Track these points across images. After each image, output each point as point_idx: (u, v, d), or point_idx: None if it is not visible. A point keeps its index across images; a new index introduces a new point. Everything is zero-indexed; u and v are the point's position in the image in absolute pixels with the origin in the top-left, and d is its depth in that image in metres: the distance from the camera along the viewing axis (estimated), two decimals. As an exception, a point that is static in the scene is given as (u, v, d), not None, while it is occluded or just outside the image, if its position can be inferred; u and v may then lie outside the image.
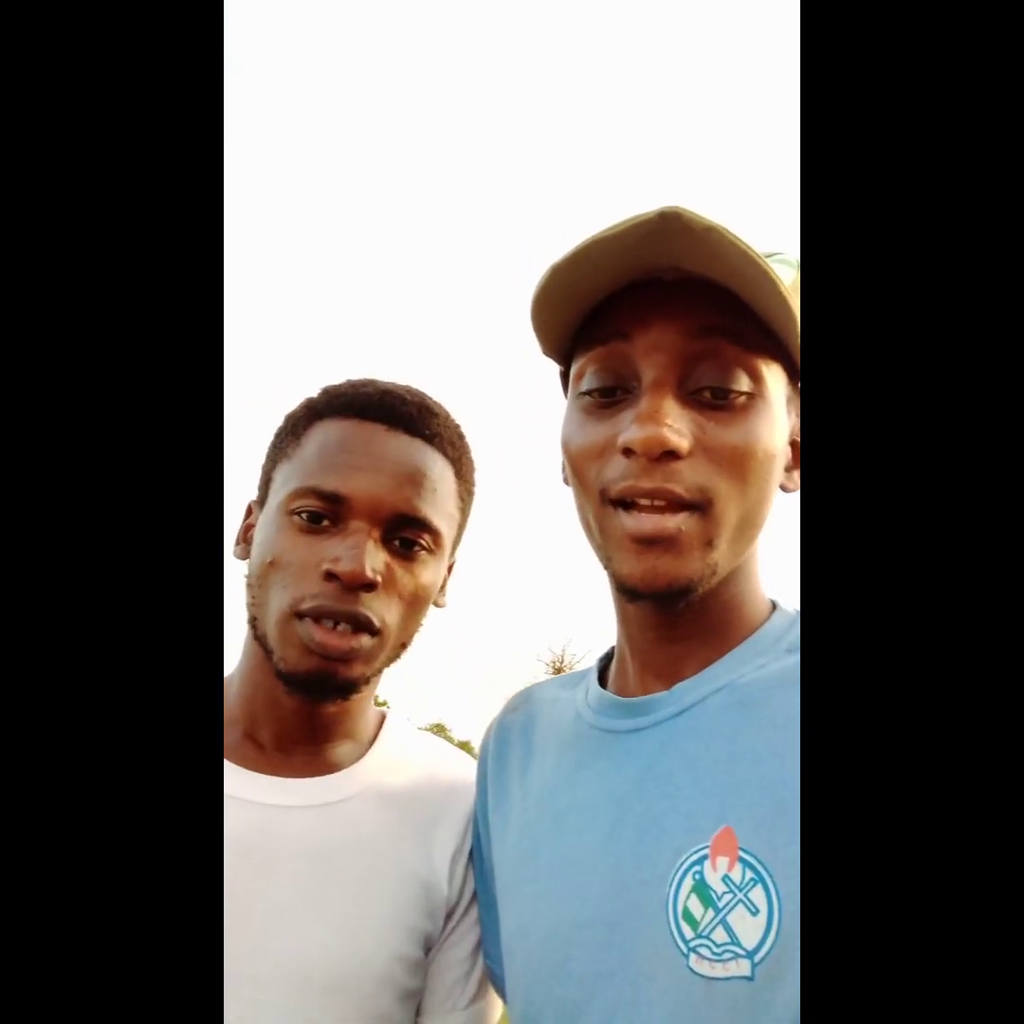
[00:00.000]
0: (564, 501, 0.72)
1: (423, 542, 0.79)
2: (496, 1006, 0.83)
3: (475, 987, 0.80)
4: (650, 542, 0.58)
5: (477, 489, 0.91)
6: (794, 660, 0.63)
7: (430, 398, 0.86)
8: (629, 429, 0.59)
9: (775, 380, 0.63)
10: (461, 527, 0.88)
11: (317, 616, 0.75)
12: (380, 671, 0.82)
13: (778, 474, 0.64)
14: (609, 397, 0.63)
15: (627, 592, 0.61)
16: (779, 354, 0.64)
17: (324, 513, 0.77)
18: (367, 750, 0.85)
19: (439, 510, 0.81)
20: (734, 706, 0.61)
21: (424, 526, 0.79)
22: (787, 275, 0.65)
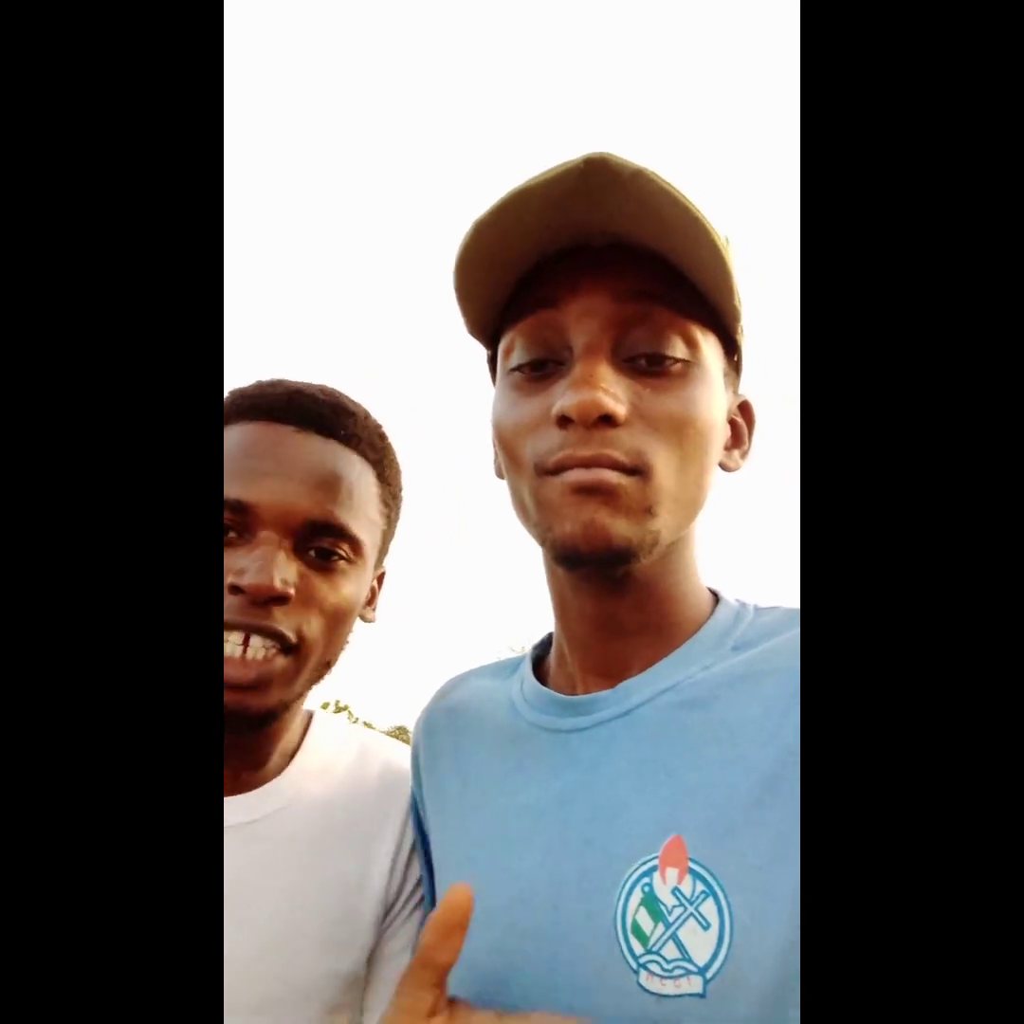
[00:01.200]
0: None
1: (341, 551, 0.73)
2: None
3: None
4: (589, 491, 0.55)
5: (404, 495, 0.84)
6: (740, 659, 0.60)
7: (347, 398, 0.80)
8: (563, 396, 0.55)
9: (711, 350, 0.60)
10: (386, 535, 0.82)
11: (225, 627, 0.69)
12: (301, 695, 0.76)
13: (717, 447, 0.61)
14: (540, 370, 0.59)
15: (567, 555, 0.57)
16: (714, 324, 0.60)
17: (230, 525, 0.71)
18: (290, 760, 0.81)
19: (357, 516, 0.74)
20: (681, 707, 0.58)
21: (341, 534, 0.73)
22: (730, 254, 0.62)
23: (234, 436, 0.74)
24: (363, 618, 0.80)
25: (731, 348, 0.64)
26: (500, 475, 0.66)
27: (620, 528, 0.55)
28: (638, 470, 0.56)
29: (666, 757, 0.56)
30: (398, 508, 0.83)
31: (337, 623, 0.74)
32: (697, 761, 0.55)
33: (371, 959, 0.78)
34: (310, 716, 0.87)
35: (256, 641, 0.69)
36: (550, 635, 0.71)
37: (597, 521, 0.55)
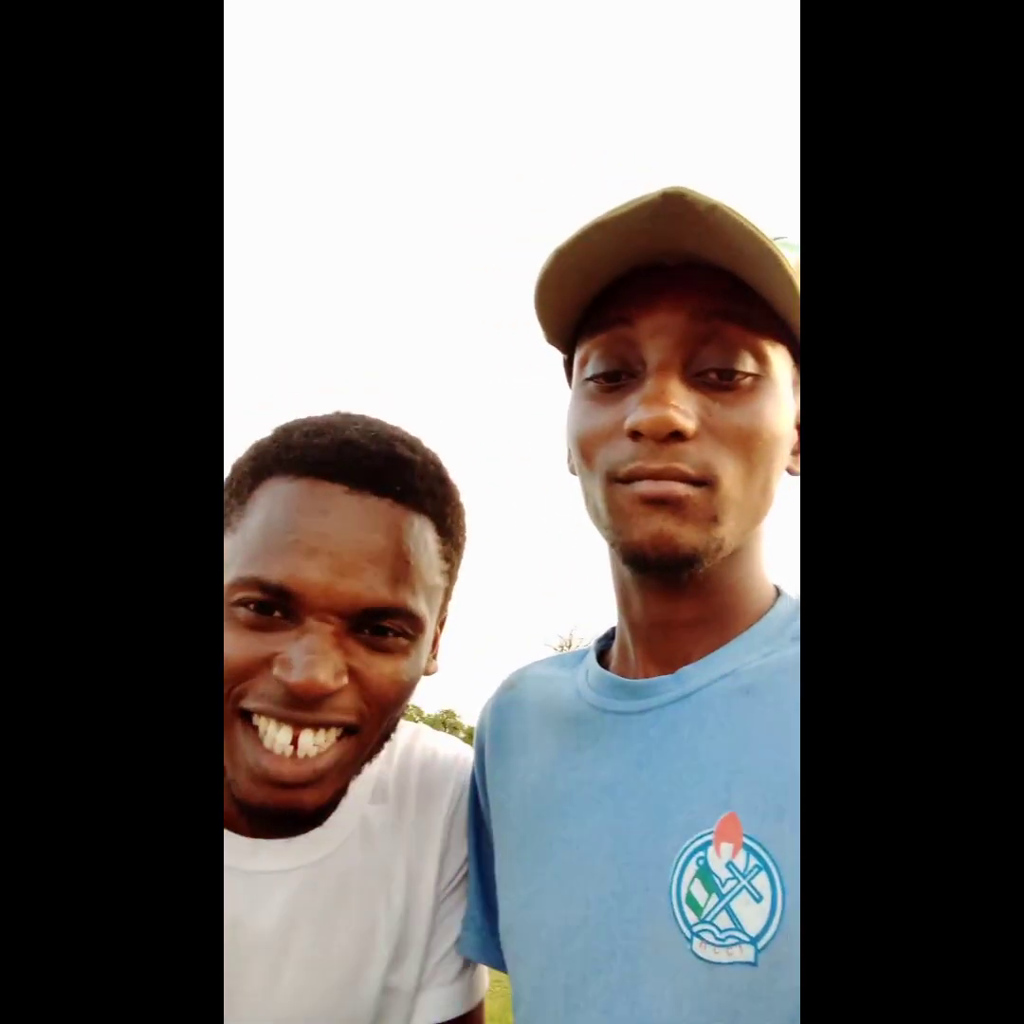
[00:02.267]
0: (570, 490, 0.71)
1: (400, 630, 0.67)
2: (484, 977, 0.84)
3: (462, 960, 0.80)
4: (659, 502, 0.59)
5: (467, 537, 0.78)
6: (798, 649, 0.62)
7: (402, 442, 0.70)
8: (635, 412, 0.59)
9: (781, 362, 0.63)
10: (448, 592, 0.75)
11: (266, 717, 0.63)
12: (360, 773, 0.71)
13: (784, 456, 0.64)
14: (614, 382, 0.63)
15: (635, 560, 0.61)
16: (785, 336, 0.63)
17: (274, 606, 0.64)
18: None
19: (417, 590, 0.67)
20: (739, 692, 0.61)
21: (401, 615, 0.66)
22: (791, 259, 0.64)
23: (279, 498, 0.66)
24: (425, 672, 0.74)
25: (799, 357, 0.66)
26: (573, 472, 0.70)
27: (686, 537, 0.59)
28: (705, 481, 0.59)
29: (723, 739, 0.59)
30: (460, 557, 0.76)
31: (397, 702, 0.69)
32: (753, 744, 0.58)
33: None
34: None
35: (307, 737, 0.64)
36: (612, 628, 0.75)
37: (665, 531, 0.59)
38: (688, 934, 0.55)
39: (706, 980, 0.54)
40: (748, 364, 0.61)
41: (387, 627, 0.66)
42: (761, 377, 0.61)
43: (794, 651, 0.62)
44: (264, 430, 0.73)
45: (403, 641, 0.67)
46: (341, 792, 0.70)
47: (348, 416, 0.73)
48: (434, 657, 0.77)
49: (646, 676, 0.67)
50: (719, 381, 0.60)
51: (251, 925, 0.69)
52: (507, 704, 0.79)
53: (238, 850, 0.70)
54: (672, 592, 0.64)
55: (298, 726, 0.63)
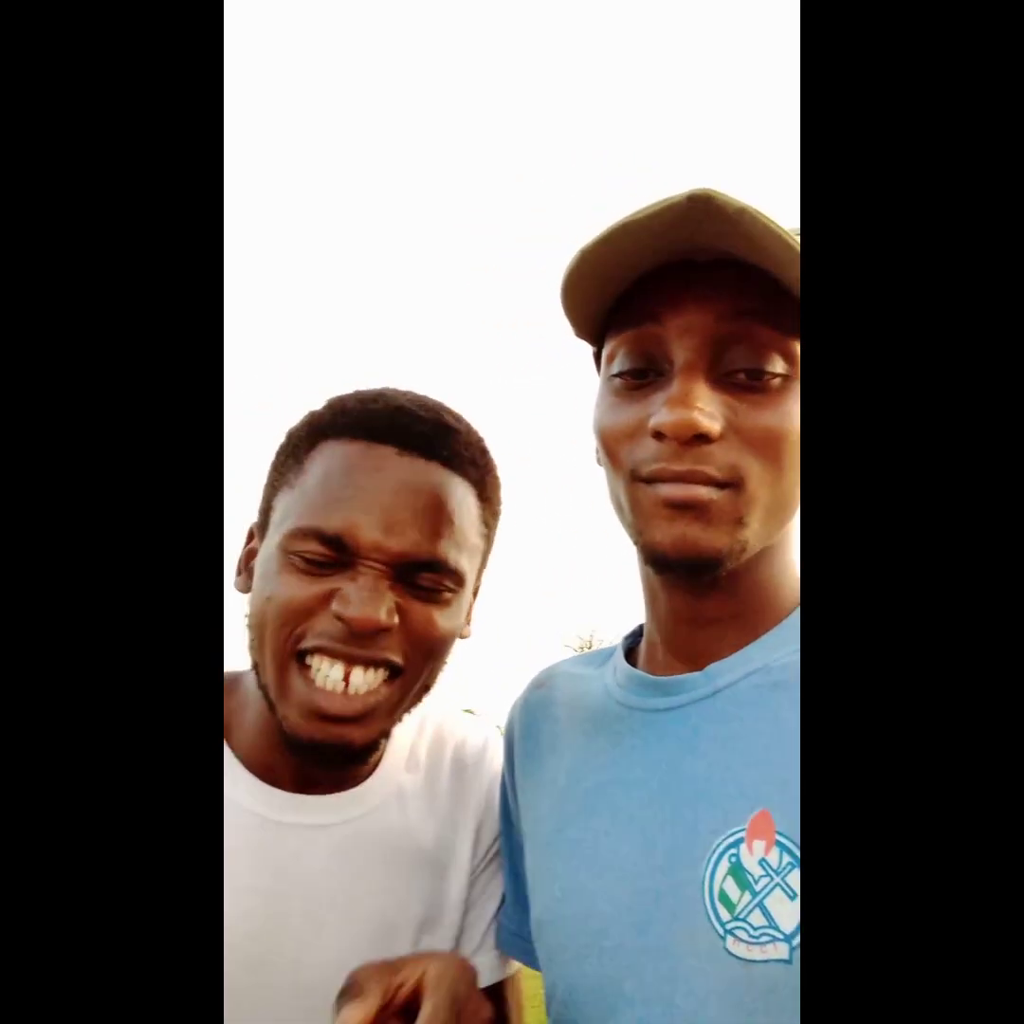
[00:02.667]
0: (592, 487, 0.72)
1: (444, 584, 0.73)
2: None
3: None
4: (682, 507, 0.58)
5: (503, 508, 0.84)
6: None
7: (448, 412, 0.77)
8: (660, 412, 0.59)
9: None
10: (486, 554, 0.81)
11: (321, 654, 0.69)
12: (401, 720, 0.76)
13: None
14: (640, 379, 0.63)
15: (657, 561, 0.61)
16: None
17: (329, 555, 0.70)
18: (382, 752, 0.83)
19: (460, 545, 0.73)
20: (768, 688, 0.61)
21: (443, 569, 0.72)
22: None
23: (336, 458, 0.72)
24: (461, 636, 0.80)
25: None
26: (599, 464, 0.69)
27: (709, 540, 0.59)
28: (731, 484, 0.59)
29: (752, 735, 0.59)
30: (497, 524, 0.82)
31: (440, 651, 0.75)
32: (783, 739, 0.58)
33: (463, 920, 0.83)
34: None
35: (358, 675, 0.69)
36: (640, 626, 0.75)
37: (688, 535, 0.58)
38: (721, 932, 0.55)
39: (741, 978, 0.53)
40: (777, 365, 0.60)
41: (431, 579, 0.72)
42: (790, 378, 0.61)
43: None
44: (317, 403, 0.79)
45: (446, 594, 0.73)
46: (385, 734, 0.74)
47: (398, 389, 0.79)
48: (468, 622, 0.81)
49: (674, 673, 0.67)
50: (748, 381, 0.60)
51: (295, 873, 0.74)
52: (536, 703, 0.79)
53: (283, 805, 0.75)
54: (696, 591, 0.64)
55: (350, 662, 0.69)
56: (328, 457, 0.73)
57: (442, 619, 0.73)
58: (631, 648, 0.76)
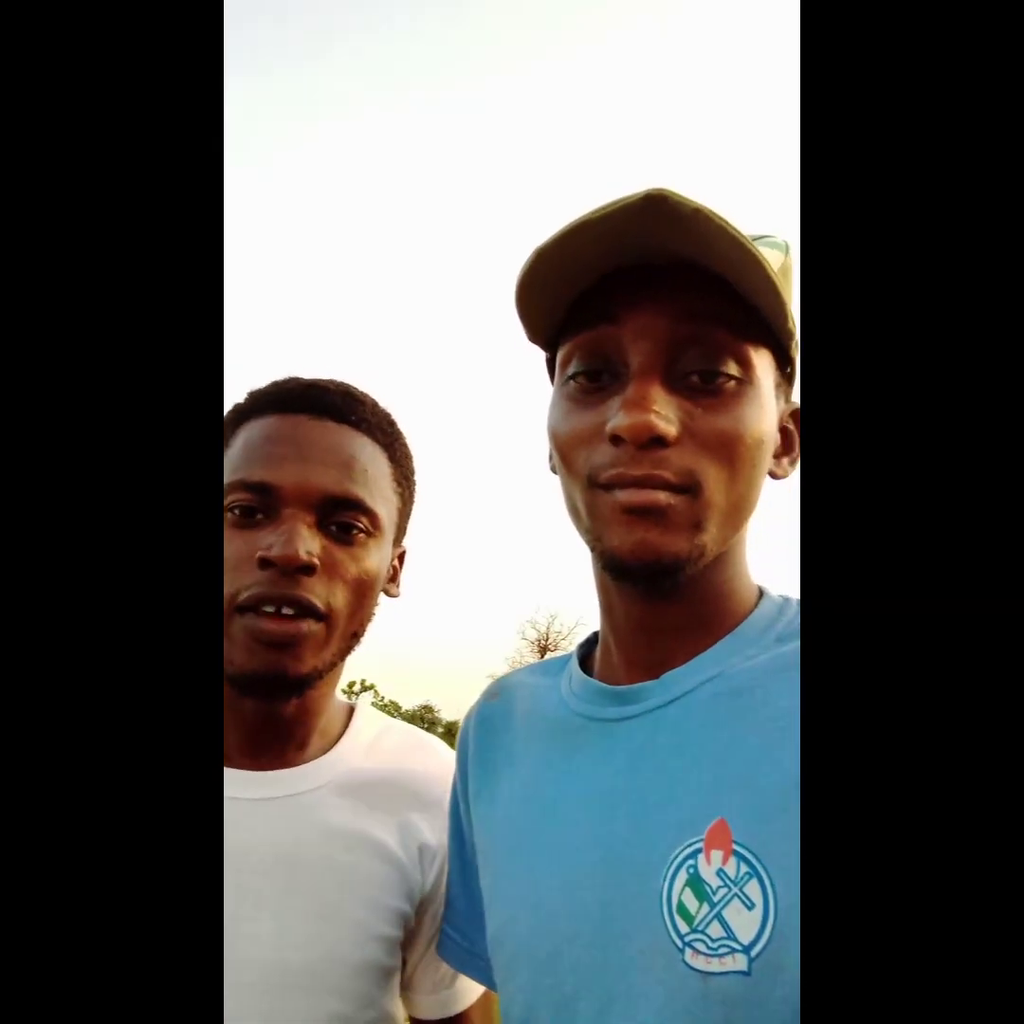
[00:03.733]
0: (544, 481, 0.71)
1: (360, 524, 0.79)
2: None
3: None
4: (641, 512, 0.58)
5: (417, 478, 0.90)
6: (785, 649, 0.62)
7: (356, 388, 0.85)
8: (616, 416, 0.58)
9: (764, 365, 0.62)
10: (403, 513, 0.87)
11: (256, 604, 0.74)
12: (334, 664, 0.81)
13: (767, 460, 0.63)
14: (596, 382, 0.62)
15: (615, 568, 0.60)
16: (768, 339, 0.62)
17: (255, 506, 0.77)
18: (335, 743, 0.85)
19: (373, 492, 0.80)
20: (724, 696, 0.61)
21: (359, 507, 0.78)
22: (776, 258, 0.64)
23: (256, 428, 0.80)
24: (387, 593, 0.86)
25: (784, 360, 0.65)
26: (554, 471, 0.69)
27: (668, 545, 0.58)
28: (688, 488, 0.58)
29: (710, 743, 0.59)
30: (411, 489, 0.89)
31: (362, 592, 0.80)
32: (741, 747, 0.57)
33: (413, 955, 0.84)
34: (351, 708, 0.91)
35: (287, 611, 0.74)
36: (595, 633, 0.74)
37: (647, 541, 0.58)
38: (680, 944, 0.54)
39: (700, 991, 0.53)
40: (732, 368, 0.60)
41: (350, 523, 0.78)
42: (744, 381, 0.60)
43: (779, 652, 0.62)
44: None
45: (364, 537, 0.79)
46: (318, 673, 0.78)
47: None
48: (396, 583, 0.88)
49: (630, 681, 0.66)
50: (702, 385, 0.60)
51: (233, 843, 0.75)
52: (490, 714, 0.78)
53: (230, 780, 0.79)
54: (653, 597, 0.63)
55: (279, 602, 0.74)
56: (253, 431, 0.80)
57: (363, 560, 0.79)
58: (586, 656, 0.75)
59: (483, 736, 0.77)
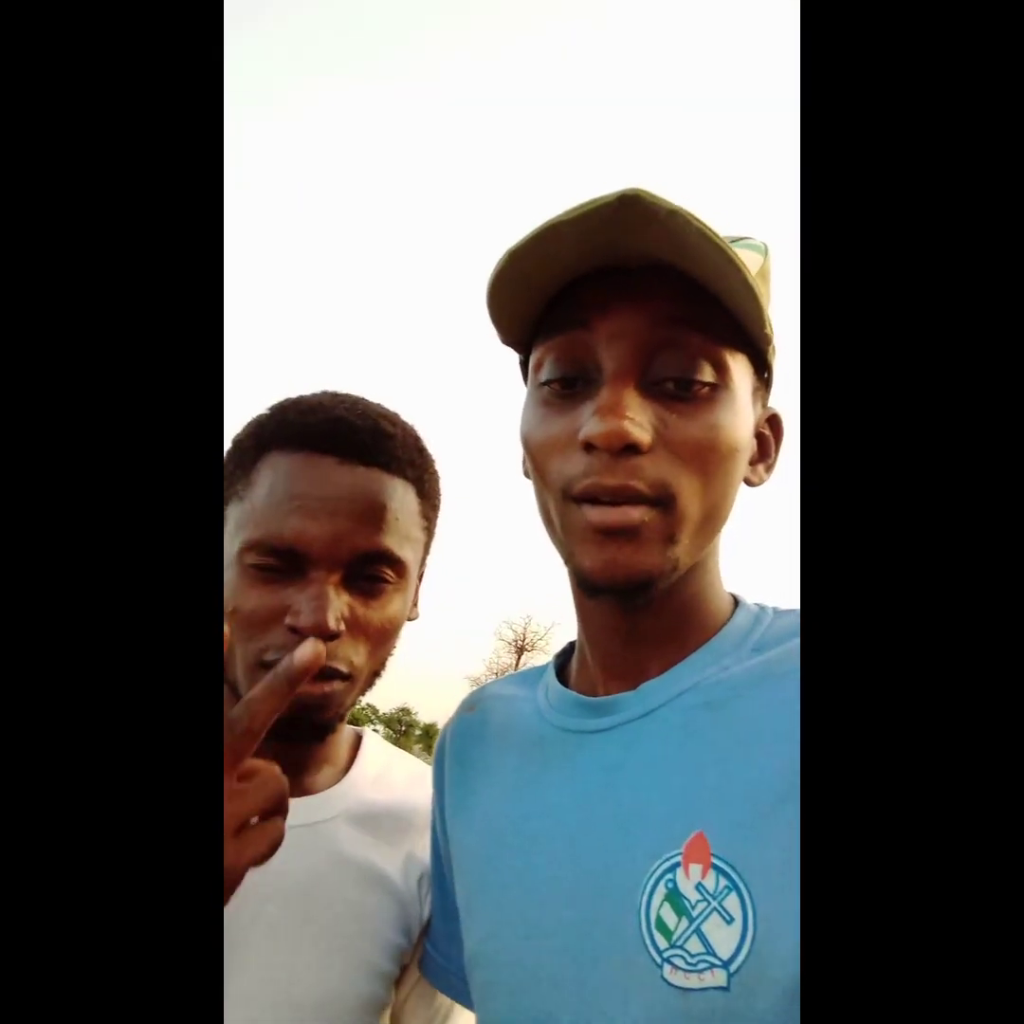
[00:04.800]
0: (520, 483, 0.70)
1: (388, 576, 0.77)
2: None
3: (450, 1002, 0.83)
4: (613, 533, 0.57)
5: (442, 499, 0.88)
6: (760, 659, 0.61)
7: (384, 418, 0.81)
8: (589, 423, 0.57)
9: (740, 370, 0.61)
10: (427, 545, 0.86)
11: None
12: (354, 704, 0.81)
13: (742, 467, 0.62)
14: (569, 388, 0.60)
15: (588, 586, 0.60)
16: (745, 344, 0.61)
17: (279, 564, 0.74)
18: (345, 773, 0.85)
19: (402, 540, 0.78)
20: (701, 708, 0.60)
21: (387, 559, 0.76)
22: (754, 261, 0.63)
23: (281, 470, 0.76)
24: (408, 618, 0.85)
25: (761, 365, 0.64)
26: (527, 475, 0.67)
27: (640, 561, 0.57)
28: (661, 501, 0.57)
29: (687, 756, 0.58)
30: (437, 516, 0.87)
31: (384, 640, 0.79)
32: (718, 759, 0.57)
33: (407, 983, 0.83)
34: (358, 736, 0.91)
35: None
36: (572, 643, 0.73)
37: (618, 560, 0.57)
38: (658, 960, 0.53)
39: (679, 1007, 0.52)
40: (707, 373, 0.59)
41: (376, 573, 0.76)
42: (719, 387, 0.59)
43: (754, 663, 0.61)
44: (261, 408, 0.84)
45: (390, 587, 0.78)
46: (341, 719, 0.80)
47: (336, 395, 0.83)
48: (415, 604, 0.87)
49: (607, 692, 0.65)
50: (676, 391, 0.58)
51: (279, 875, 0.73)
52: (467, 727, 0.77)
53: None
54: (627, 609, 0.63)
55: None
56: (273, 469, 0.76)
57: (387, 609, 0.78)
58: (562, 666, 0.74)
59: (460, 749, 0.76)
